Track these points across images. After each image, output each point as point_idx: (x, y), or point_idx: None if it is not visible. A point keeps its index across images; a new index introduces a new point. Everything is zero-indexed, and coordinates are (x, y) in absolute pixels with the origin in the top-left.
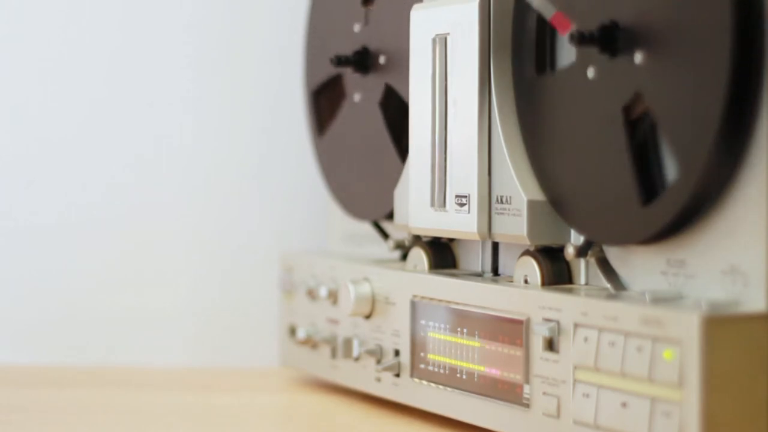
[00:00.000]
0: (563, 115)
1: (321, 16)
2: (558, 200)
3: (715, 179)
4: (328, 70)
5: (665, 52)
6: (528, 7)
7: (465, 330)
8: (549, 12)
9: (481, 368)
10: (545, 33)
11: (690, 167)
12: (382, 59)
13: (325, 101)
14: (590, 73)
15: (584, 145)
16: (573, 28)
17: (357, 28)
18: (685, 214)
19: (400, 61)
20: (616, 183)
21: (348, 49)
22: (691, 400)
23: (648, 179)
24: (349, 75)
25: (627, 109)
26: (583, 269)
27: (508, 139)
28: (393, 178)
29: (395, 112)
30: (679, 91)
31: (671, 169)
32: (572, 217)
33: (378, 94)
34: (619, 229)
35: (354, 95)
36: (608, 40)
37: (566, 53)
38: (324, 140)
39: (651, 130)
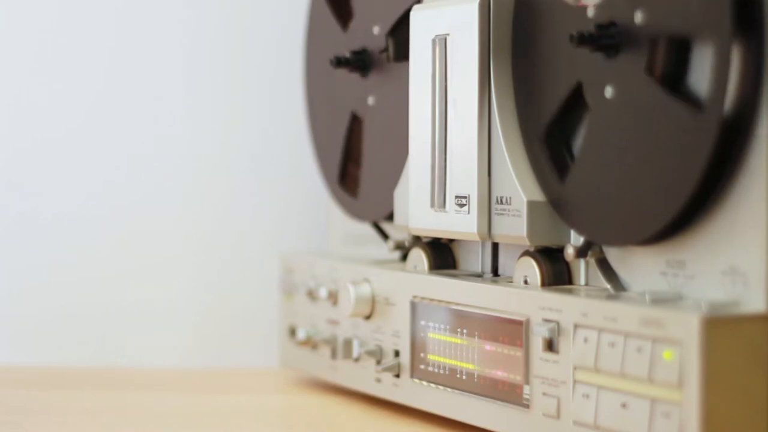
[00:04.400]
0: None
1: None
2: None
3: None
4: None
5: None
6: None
7: (465, 331)
8: None
9: (481, 369)
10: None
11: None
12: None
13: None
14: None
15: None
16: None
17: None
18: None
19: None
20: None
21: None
22: (690, 400)
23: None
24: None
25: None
26: (582, 270)
27: (508, 140)
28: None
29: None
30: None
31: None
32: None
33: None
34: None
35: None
36: (607, 40)
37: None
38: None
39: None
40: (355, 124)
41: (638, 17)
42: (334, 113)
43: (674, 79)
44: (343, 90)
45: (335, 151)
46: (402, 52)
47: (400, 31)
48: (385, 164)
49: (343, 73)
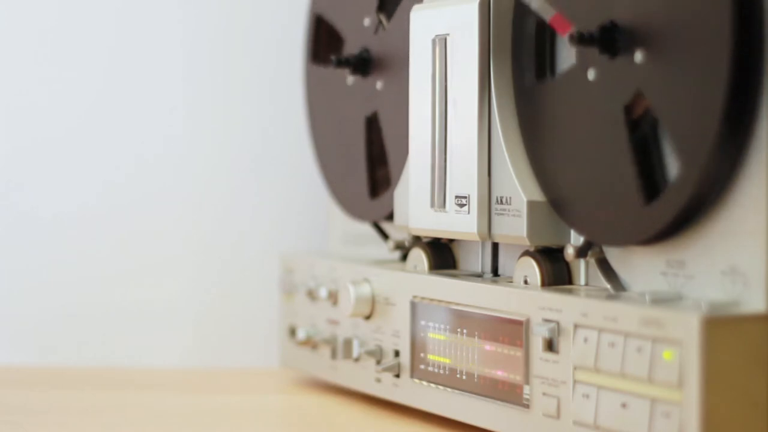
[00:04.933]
0: (563, 115)
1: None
2: (558, 201)
3: (715, 179)
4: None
5: (665, 52)
6: (527, 9)
7: (465, 331)
8: (548, 13)
9: (481, 369)
10: (545, 34)
11: (690, 167)
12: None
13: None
14: (590, 74)
15: (584, 145)
16: (573, 29)
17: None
18: (685, 215)
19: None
20: (616, 183)
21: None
22: (690, 400)
23: (648, 179)
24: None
25: (628, 109)
26: (582, 270)
27: (508, 140)
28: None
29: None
30: (680, 90)
31: (672, 169)
32: (572, 217)
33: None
34: (619, 229)
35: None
36: (608, 40)
37: (566, 54)
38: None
39: (651, 130)
40: (372, 128)
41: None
42: (332, 109)
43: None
44: (348, 96)
45: (357, 163)
46: (395, 19)
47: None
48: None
49: (342, 78)
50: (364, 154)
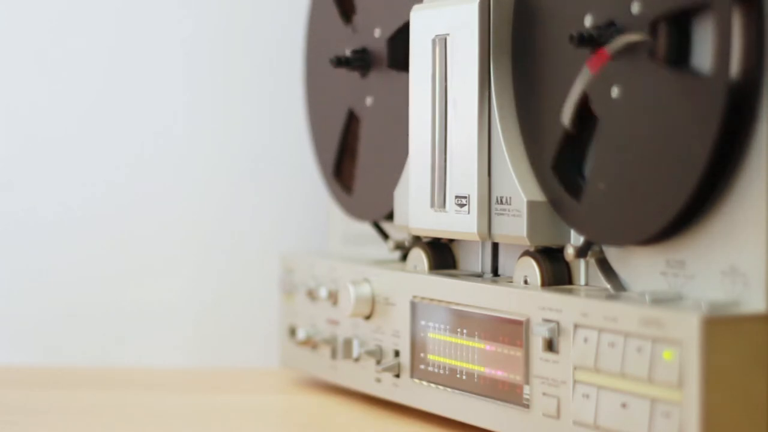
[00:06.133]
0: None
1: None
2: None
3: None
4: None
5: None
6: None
7: (465, 331)
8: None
9: (481, 369)
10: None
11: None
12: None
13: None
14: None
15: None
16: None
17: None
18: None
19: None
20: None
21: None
22: (690, 400)
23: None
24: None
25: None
26: (582, 270)
27: (508, 140)
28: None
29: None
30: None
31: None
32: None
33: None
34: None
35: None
36: (605, 40)
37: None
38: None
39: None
40: (352, 122)
41: (635, 7)
42: (332, 109)
43: (678, 61)
44: (342, 86)
45: (331, 144)
46: (399, 61)
47: (400, 38)
48: (384, 164)
49: (343, 70)
50: (338, 140)
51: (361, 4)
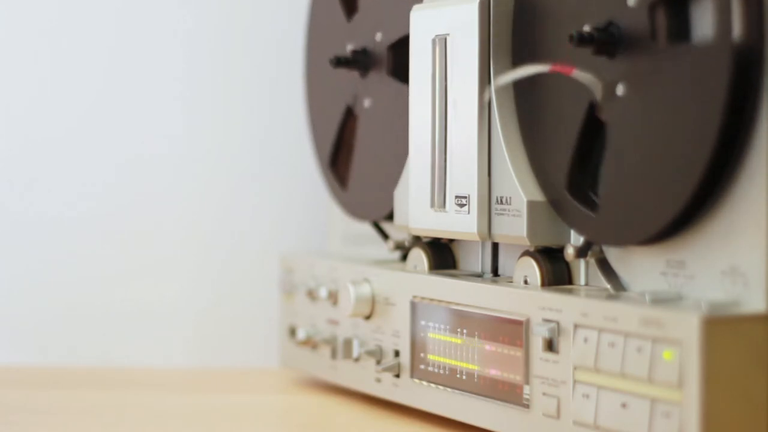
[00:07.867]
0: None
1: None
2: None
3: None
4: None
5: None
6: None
7: (465, 331)
8: (546, 68)
9: (481, 369)
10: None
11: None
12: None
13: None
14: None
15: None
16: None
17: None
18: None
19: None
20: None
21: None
22: (690, 400)
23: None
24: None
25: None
26: (582, 270)
27: (508, 140)
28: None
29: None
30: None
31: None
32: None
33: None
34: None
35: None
36: (606, 40)
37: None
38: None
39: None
40: (350, 118)
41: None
42: (330, 104)
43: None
44: (341, 83)
45: (328, 136)
46: (399, 70)
47: (401, 46)
48: (383, 164)
49: (341, 76)
50: (335, 133)
51: (363, 2)
